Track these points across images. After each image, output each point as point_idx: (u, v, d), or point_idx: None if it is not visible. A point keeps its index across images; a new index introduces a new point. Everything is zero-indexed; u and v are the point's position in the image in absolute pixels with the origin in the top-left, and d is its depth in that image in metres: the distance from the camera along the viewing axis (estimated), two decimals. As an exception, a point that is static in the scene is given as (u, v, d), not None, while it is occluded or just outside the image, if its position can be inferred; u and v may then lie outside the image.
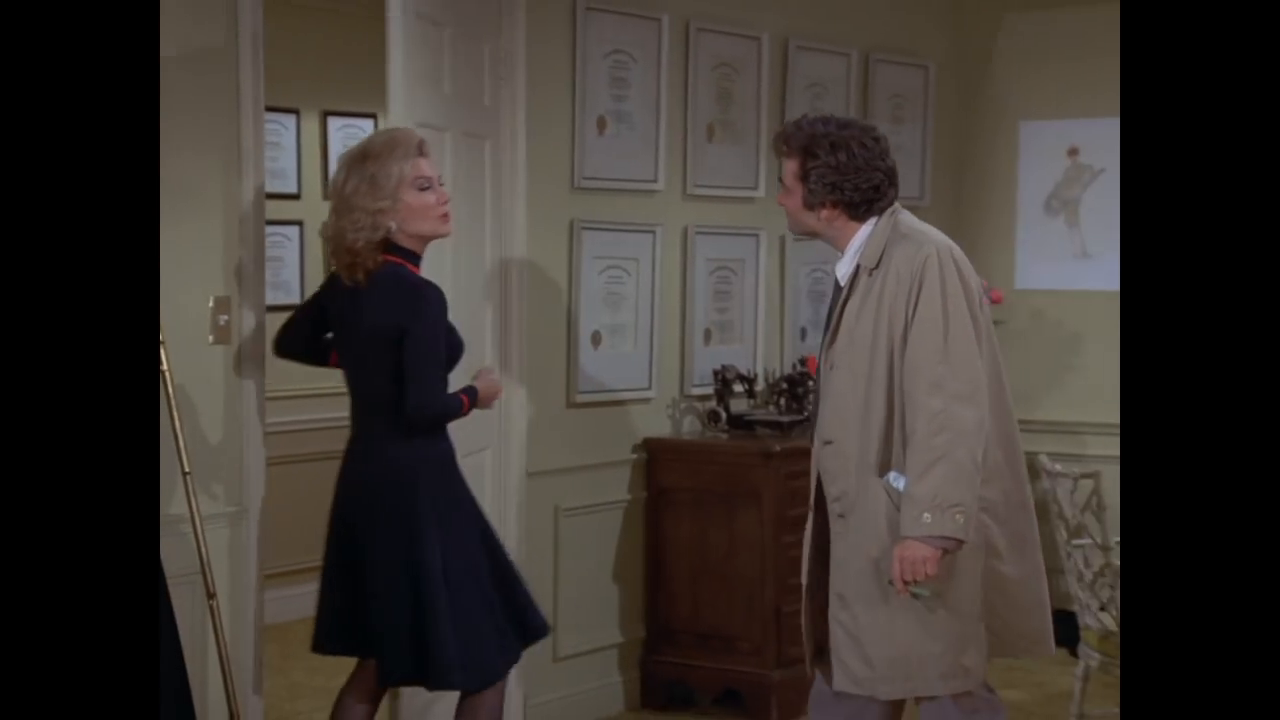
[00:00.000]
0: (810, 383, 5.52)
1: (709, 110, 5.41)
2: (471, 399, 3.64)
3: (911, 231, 3.28)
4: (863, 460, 3.23)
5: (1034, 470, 5.53)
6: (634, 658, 5.16)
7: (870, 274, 3.26)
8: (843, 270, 3.34)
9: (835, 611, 3.30)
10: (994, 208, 6.21)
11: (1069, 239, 6.32)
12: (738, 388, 5.36)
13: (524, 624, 3.72)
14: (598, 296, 5.03)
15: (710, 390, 5.35)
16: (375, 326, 3.52)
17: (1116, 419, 6.00)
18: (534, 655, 4.79)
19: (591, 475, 5.03)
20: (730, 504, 5.03)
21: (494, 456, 4.67)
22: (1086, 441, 5.92)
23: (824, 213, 3.32)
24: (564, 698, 4.90)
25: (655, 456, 5.18)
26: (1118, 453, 6.06)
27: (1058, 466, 4.46)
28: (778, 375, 5.57)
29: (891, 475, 3.21)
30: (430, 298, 3.51)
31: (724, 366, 5.36)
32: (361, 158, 3.58)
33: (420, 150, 3.59)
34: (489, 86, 4.56)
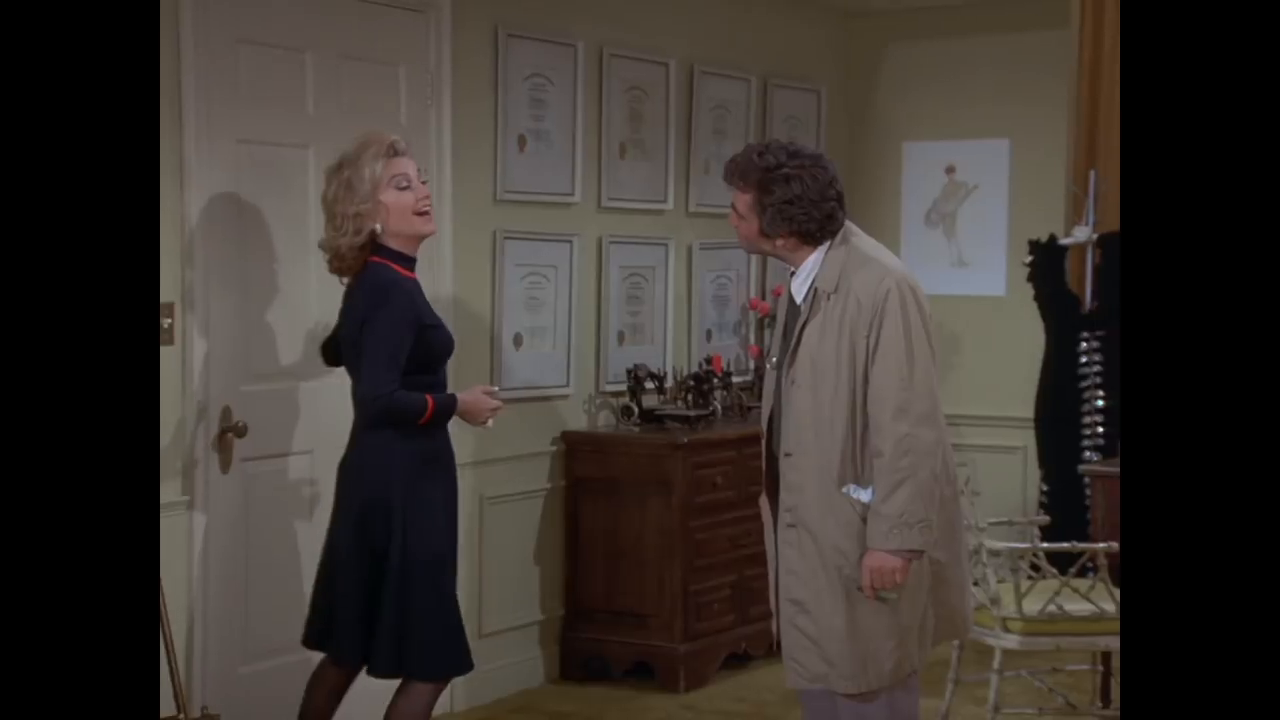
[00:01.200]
0: (715, 379, 5.59)
1: (621, 129, 5.45)
2: (440, 405, 3.46)
3: (869, 258, 3.26)
4: (824, 473, 3.22)
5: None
6: (554, 634, 5.19)
7: (829, 297, 3.23)
8: (798, 290, 3.31)
9: (791, 616, 3.29)
10: (880, 220, 6.31)
11: (948, 249, 6.45)
12: (649, 385, 5.41)
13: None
14: (519, 301, 5.06)
15: (624, 387, 5.39)
16: (350, 325, 3.46)
17: (990, 412, 6.18)
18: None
19: (514, 466, 5.05)
20: (642, 492, 5.07)
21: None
22: (964, 432, 6.05)
23: (780, 241, 3.28)
24: (489, 671, 4.91)
25: (573, 448, 5.21)
26: (990, 442, 6.21)
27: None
28: (685, 374, 5.63)
29: (851, 488, 3.22)
30: (394, 294, 3.38)
31: (636, 365, 5.40)
32: (338, 165, 3.48)
33: (393, 149, 3.46)
34: (405, 106, 4.59)
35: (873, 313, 3.17)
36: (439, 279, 4.72)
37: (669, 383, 5.55)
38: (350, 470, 3.54)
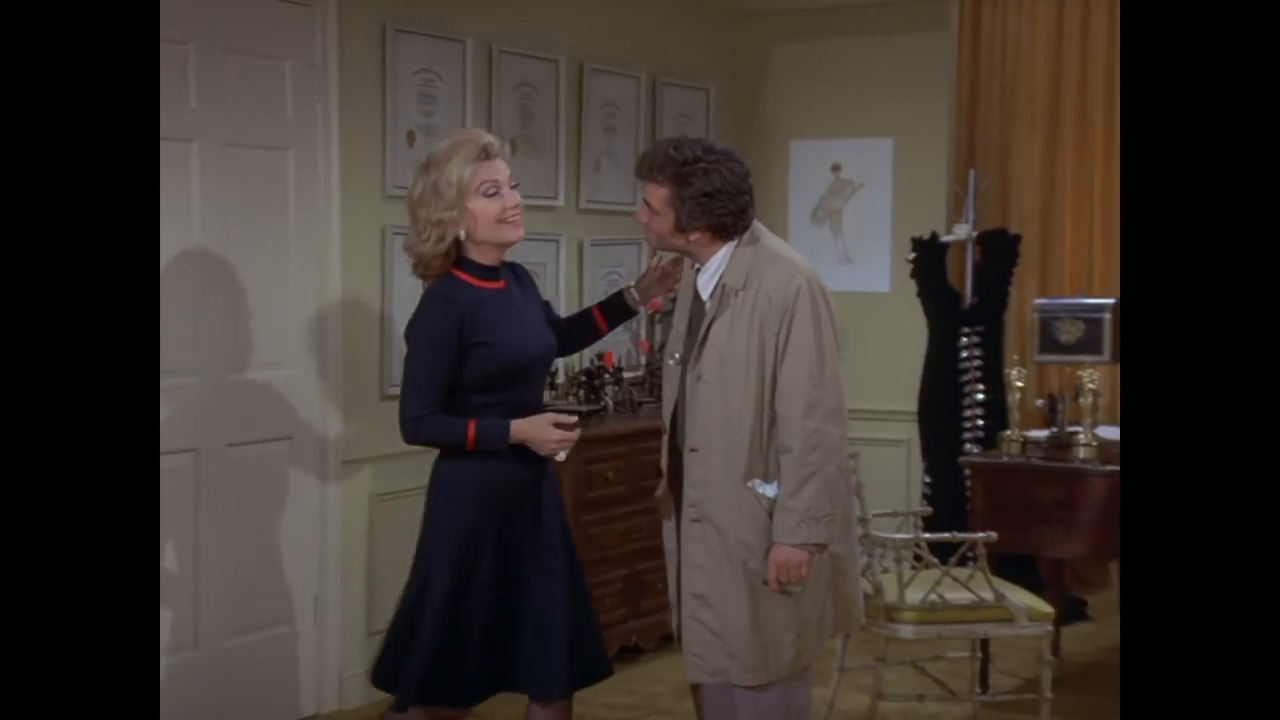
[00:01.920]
0: (607, 375, 5.55)
1: (512, 126, 5.39)
2: (487, 433, 3.14)
3: (778, 256, 3.25)
4: (730, 468, 3.20)
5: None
6: (445, 630, 5.11)
7: (737, 294, 3.21)
8: (706, 286, 3.28)
9: (693, 610, 3.27)
10: (768, 218, 6.26)
11: (834, 246, 6.49)
12: (540, 381, 5.35)
13: (515, 674, 3.26)
14: (409, 297, 4.95)
15: (514, 383, 5.33)
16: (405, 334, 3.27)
17: (875, 406, 6.22)
18: (348, 629, 4.73)
19: (404, 463, 4.95)
20: (533, 487, 5.01)
21: (308, 446, 4.59)
22: (850, 426, 6.06)
23: (694, 236, 3.24)
24: (380, 669, 4.83)
25: (464, 444, 5.13)
26: (875, 435, 6.25)
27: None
28: (577, 370, 5.59)
29: (756, 482, 3.21)
30: (431, 312, 3.14)
31: (527, 361, 5.34)
32: (426, 165, 3.21)
33: (486, 153, 3.18)
34: (292, 101, 4.49)
35: (783, 310, 3.17)
36: (327, 276, 4.64)
37: (560, 379, 5.50)
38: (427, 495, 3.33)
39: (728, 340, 3.20)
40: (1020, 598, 4.29)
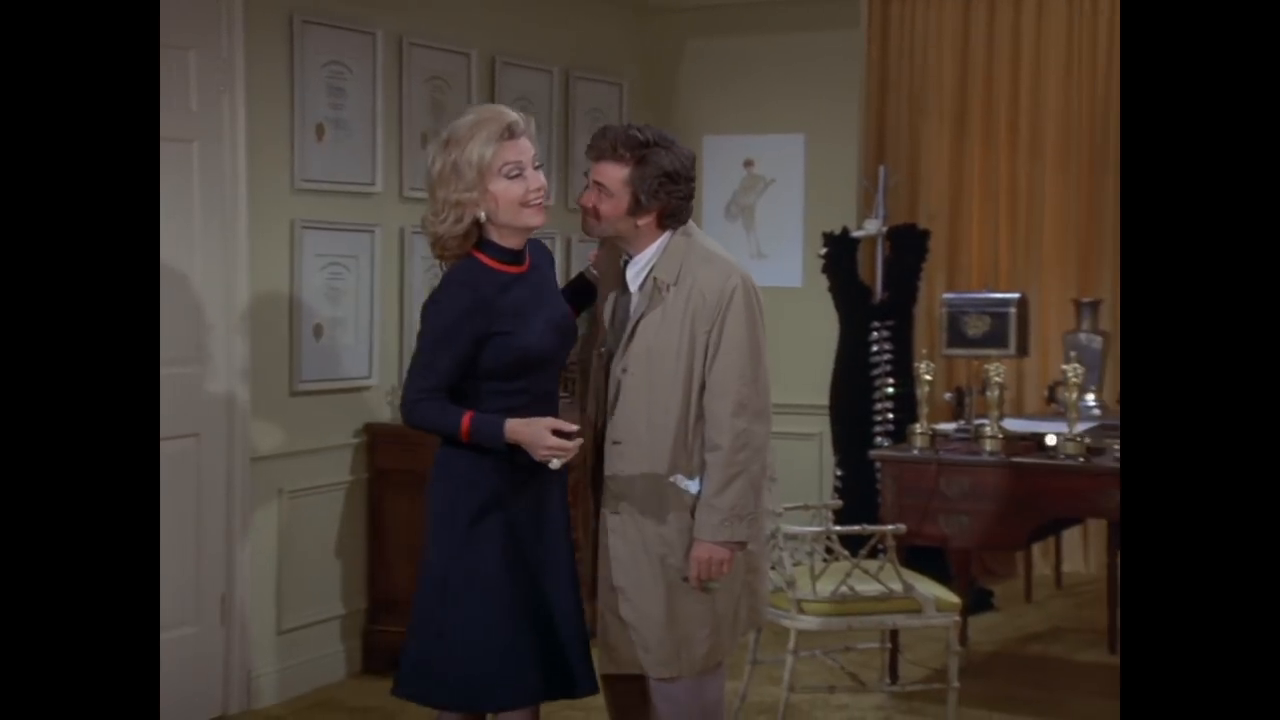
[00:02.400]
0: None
1: (423, 119, 5.33)
2: (480, 426, 2.98)
3: (713, 254, 3.22)
4: (652, 463, 3.17)
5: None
6: (356, 628, 5.05)
7: (668, 288, 3.17)
8: (635, 278, 3.23)
9: (610, 603, 3.24)
10: (682, 212, 6.31)
11: (746, 241, 6.50)
12: (453, 376, 5.30)
13: (556, 672, 3.11)
14: (319, 291, 4.89)
15: (427, 378, 5.27)
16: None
17: (787, 400, 6.20)
18: (257, 628, 4.65)
19: (314, 459, 4.89)
20: (445, 483, 4.96)
21: (216, 443, 4.50)
22: (763, 419, 6.10)
23: (643, 220, 3.18)
24: (288, 668, 4.76)
25: (376, 440, 5.07)
26: (787, 429, 6.27)
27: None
28: (490, 364, 5.55)
29: (678, 478, 3.18)
30: (449, 295, 2.98)
31: (439, 356, 5.29)
32: (445, 142, 3.02)
33: (510, 132, 2.99)
34: (197, 92, 4.41)
35: (717, 309, 3.14)
36: (234, 271, 4.55)
37: (474, 373, 5.46)
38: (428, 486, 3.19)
39: (656, 335, 3.17)
40: (928, 589, 4.32)
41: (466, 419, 2.98)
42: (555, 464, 3.01)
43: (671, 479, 3.19)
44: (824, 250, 6.01)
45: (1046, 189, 6.35)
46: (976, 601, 5.69)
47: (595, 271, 3.40)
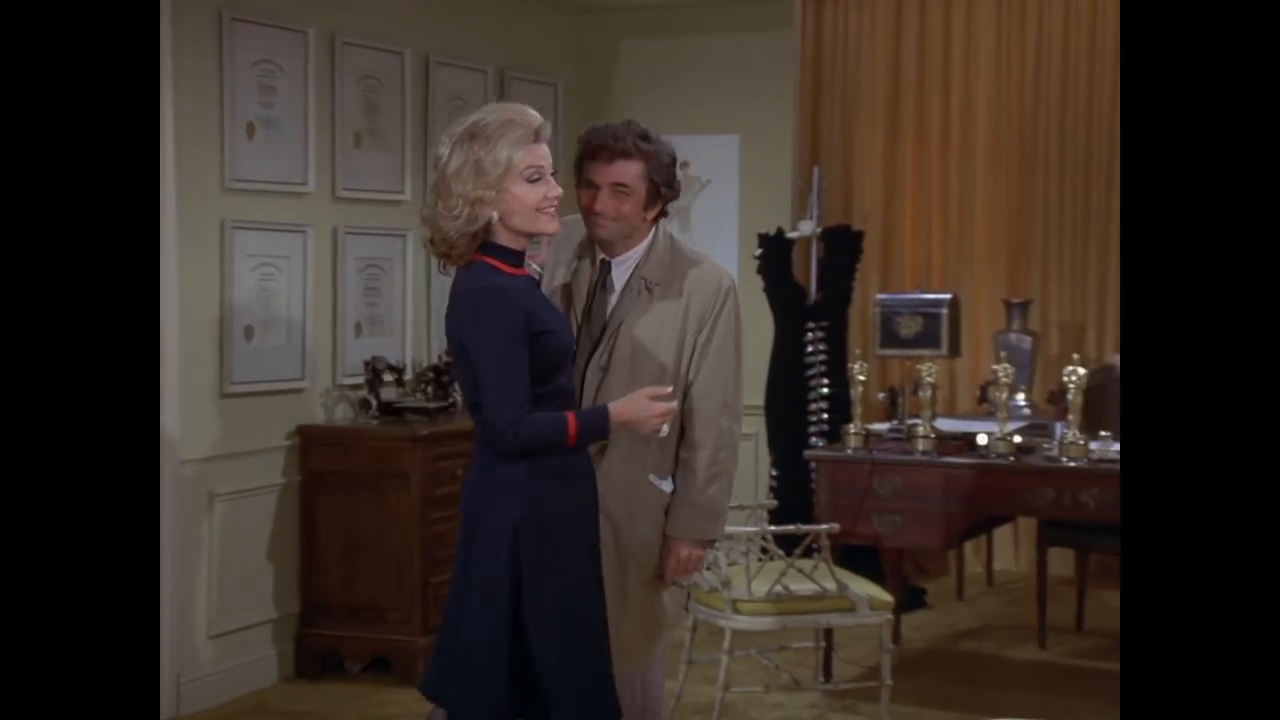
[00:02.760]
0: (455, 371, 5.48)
1: (356, 118, 5.27)
2: (587, 423, 2.88)
3: (700, 256, 3.23)
4: (633, 462, 3.16)
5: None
6: (288, 631, 4.99)
7: (654, 288, 3.14)
8: (621, 276, 3.18)
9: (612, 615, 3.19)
10: (617, 213, 6.31)
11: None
12: (387, 377, 5.26)
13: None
14: (250, 292, 4.83)
15: (362, 380, 5.23)
16: (449, 332, 2.93)
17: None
18: (186, 633, 4.58)
19: (245, 462, 4.82)
20: (380, 485, 4.93)
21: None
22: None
23: (652, 212, 3.17)
24: (219, 673, 4.69)
25: (308, 442, 5.01)
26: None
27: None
28: (425, 365, 5.51)
29: (652, 476, 3.18)
30: (490, 305, 2.83)
31: (374, 357, 5.25)
32: (469, 136, 2.87)
33: (536, 136, 2.90)
34: (128, 91, 4.32)
35: (709, 310, 3.15)
36: (164, 271, 4.47)
37: (408, 375, 5.41)
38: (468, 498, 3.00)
39: (643, 334, 3.15)
40: (862, 587, 4.35)
41: (572, 420, 2.86)
42: (665, 430, 2.95)
43: (649, 478, 3.18)
44: (759, 251, 6.02)
45: (977, 190, 6.41)
46: (909, 599, 5.74)
47: (539, 270, 3.31)
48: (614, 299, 3.19)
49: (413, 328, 5.56)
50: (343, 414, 5.23)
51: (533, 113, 2.93)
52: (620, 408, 2.91)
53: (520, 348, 2.82)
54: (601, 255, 3.21)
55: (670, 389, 2.97)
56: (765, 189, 6.37)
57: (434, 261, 5.82)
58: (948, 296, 5.32)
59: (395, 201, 5.49)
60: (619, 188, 3.11)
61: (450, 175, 2.85)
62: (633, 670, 3.21)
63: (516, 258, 2.94)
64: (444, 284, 5.66)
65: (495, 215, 2.86)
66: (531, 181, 2.87)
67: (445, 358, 5.51)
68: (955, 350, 5.35)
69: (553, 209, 2.92)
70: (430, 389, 5.39)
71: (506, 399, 2.80)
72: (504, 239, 2.90)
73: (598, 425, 2.89)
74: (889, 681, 4.37)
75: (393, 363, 5.30)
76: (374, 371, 5.21)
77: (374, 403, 5.18)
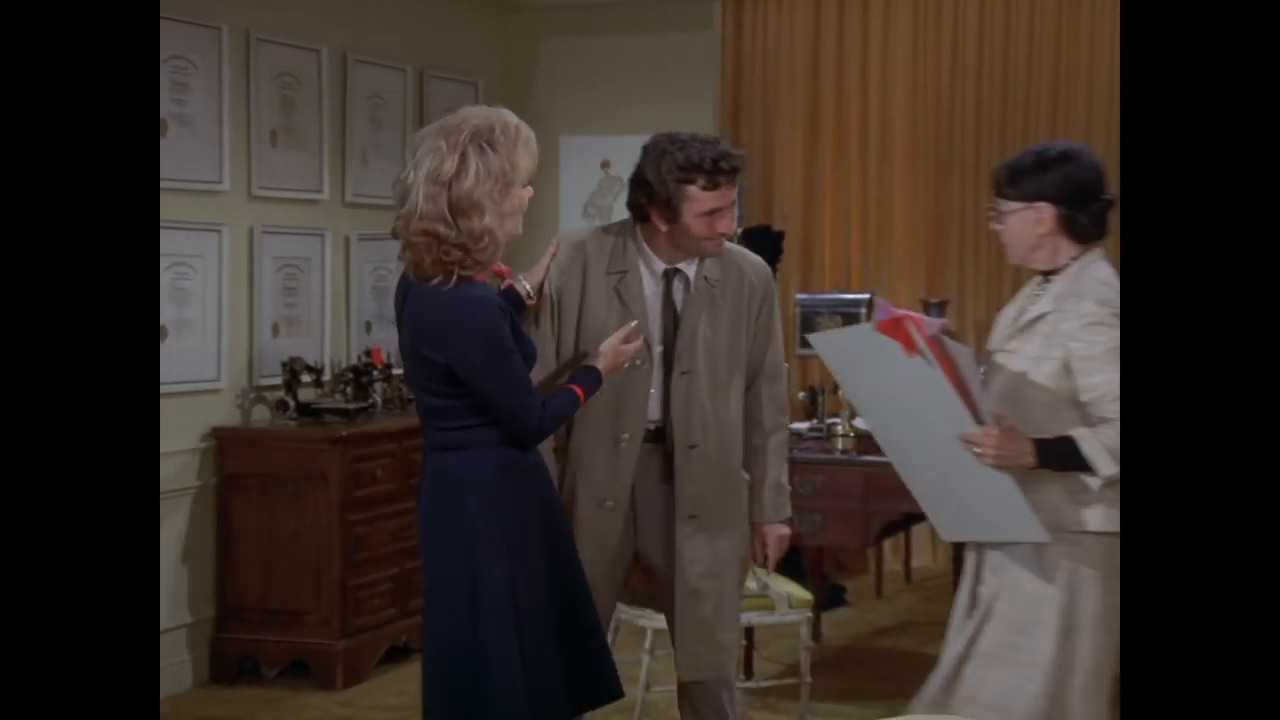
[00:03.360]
0: (375, 372, 5.42)
1: (272, 116, 5.20)
2: (589, 388, 2.96)
3: (739, 246, 3.30)
4: (725, 459, 3.18)
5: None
6: (203, 636, 4.91)
7: (715, 284, 3.15)
8: (686, 280, 3.15)
9: (690, 608, 3.18)
10: (540, 214, 6.26)
11: (604, 241, 6.49)
12: (306, 378, 5.20)
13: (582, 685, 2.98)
14: (164, 292, 4.74)
15: (279, 380, 5.16)
16: (429, 343, 2.81)
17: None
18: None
19: (159, 464, 4.73)
20: (298, 487, 4.86)
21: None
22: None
23: None
24: (134, 680, 4.60)
25: (224, 444, 4.93)
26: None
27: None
28: (344, 366, 5.44)
29: (742, 470, 3.25)
30: (479, 317, 2.77)
31: (292, 358, 5.18)
32: (485, 145, 2.74)
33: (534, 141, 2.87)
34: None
35: (763, 297, 3.22)
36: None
37: (327, 375, 5.35)
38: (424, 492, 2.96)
39: (713, 331, 3.16)
40: (782, 586, 4.37)
41: (578, 389, 2.96)
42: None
43: (740, 471, 3.25)
44: (680, 251, 6.03)
45: (896, 191, 6.47)
46: (829, 598, 5.78)
47: (529, 286, 3.19)
48: (682, 303, 3.17)
49: (331, 328, 5.50)
50: (259, 415, 5.16)
51: (516, 117, 2.86)
52: (604, 362, 3.02)
53: (512, 345, 2.82)
54: (664, 265, 3.14)
55: (636, 323, 3.06)
56: (686, 189, 6.38)
57: (351, 263, 5.77)
58: (866, 296, 5.37)
59: (313, 201, 5.42)
60: (731, 206, 3.09)
61: (480, 194, 2.73)
62: (725, 673, 3.26)
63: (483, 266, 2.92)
64: (363, 283, 5.66)
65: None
66: (524, 186, 2.83)
67: (365, 359, 5.46)
68: (873, 349, 5.39)
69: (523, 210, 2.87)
70: (349, 390, 5.34)
71: (522, 399, 2.82)
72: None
73: (595, 382, 3.01)
74: (809, 679, 4.39)
75: (311, 363, 5.23)
76: (292, 372, 5.14)
77: (292, 404, 5.11)
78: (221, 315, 4.97)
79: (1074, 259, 2.81)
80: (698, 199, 3.02)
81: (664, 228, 3.07)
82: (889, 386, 2.68)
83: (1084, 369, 2.69)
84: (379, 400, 5.41)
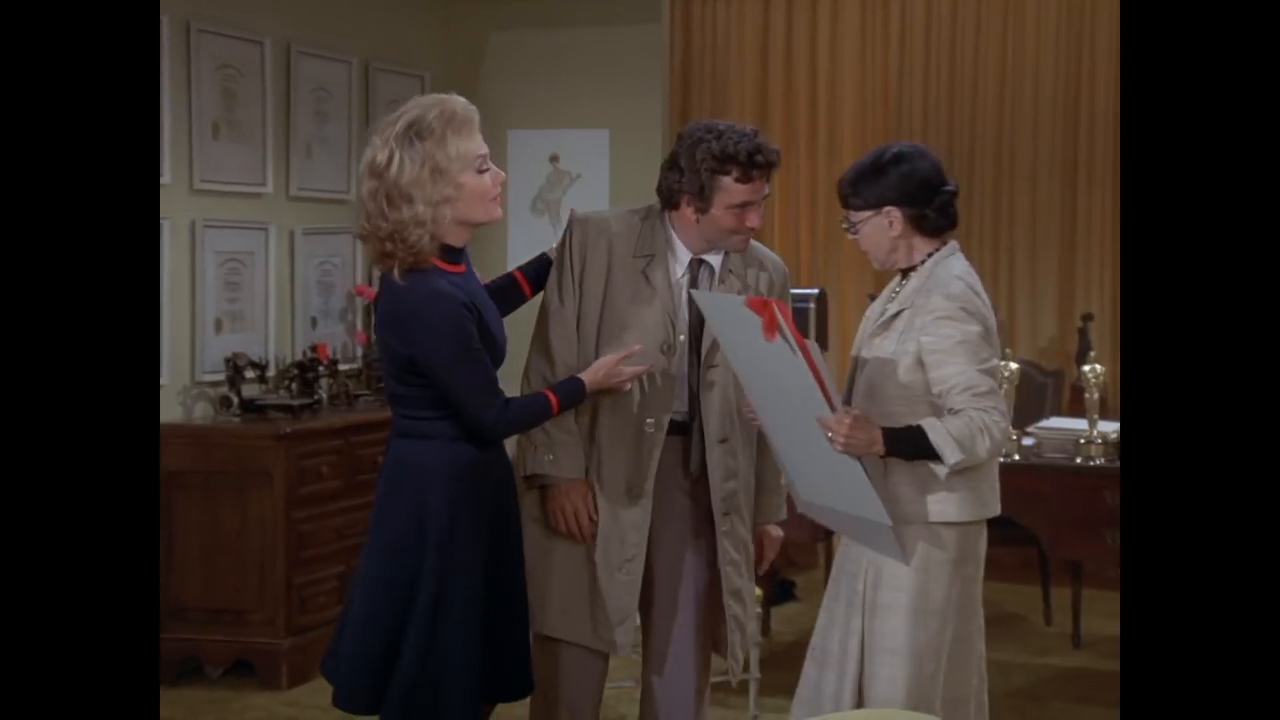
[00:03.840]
0: (321, 368, 5.38)
1: (214, 108, 5.14)
2: (566, 399, 2.95)
3: (753, 241, 3.27)
4: (748, 454, 3.16)
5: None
6: (147, 637, 4.85)
7: (740, 275, 3.13)
8: (712, 269, 3.14)
9: (730, 608, 3.17)
10: (487, 207, 6.26)
11: (553, 237, 6.45)
12: (249, 374, 5.15)
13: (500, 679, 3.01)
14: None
15: (222, 377, 5.11)
16: (388, 336, 2.86)
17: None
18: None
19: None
20: (242, 485, 4.81)
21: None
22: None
23: None
24: (74, 682, 4.54)
25: (167, 441, 4.86)
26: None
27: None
28: (289, 362, 5.40)
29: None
30: (435, 310, 2.78)
31: (235, 354, 5.13)
32: (415, 136, 2.76)
33: (474, 124, 2.84)
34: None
35: (783, 286, 3.20)
36: None
37: (271, 371, 5.30)
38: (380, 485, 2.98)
39: None
40: (730, 580, 4.37)
41: (553, 397, 2.96)
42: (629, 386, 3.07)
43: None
44: (629, 246, 6.03)
45: (845, 186, 6.50)
46: (778, 592, 5.79)
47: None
48: (713, 289, 3.14)
49: (276, 323, 5.44)
50: (202, 412, 5.11)
51: (459, 99, 2.88)
52: (593, 376, 3.01)
53: (473, 345, 2.82)
54: (691, 254, 3.12)
55: (639, 347, 3.02)
56: (635, 184, 6.35)
57: (296, 257, 5.74)
58: (815, 291, 5.38)
59: (256, 194, 5.37)
60: (763, 200, 3.09)
61: (406, 183, 2.75)
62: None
63: (458, 254, 2.90)
64: (308, 278, 5.61)
65: (450, 214, 2.80)
66: (481, 171, 2.82)
67: (310, 354, 5.42)
68: (823, 344, 5.42)
69: (498, 194, 2.88)
70: (294, 386, 5.29)
71: (478, 397, 2.83)
72: (453, 236, 2.85)
73: (576, 396, 3.00)
74: (757, 674, 4.40)
75: (255, 359, 5.18)
76: (235, 368, 5.09)
77: (235, 400, 5.06)
78: (163, 311, 4.91)
79: (929, 255, 2.90)
80: (730, 190, 3.01)
81: (694, 218, 3.06)
82: (756, 357, 2.75)
83: (934, 362, 2.78)
84: (324, 396, 5.37)
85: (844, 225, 2.97)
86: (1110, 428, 4.71)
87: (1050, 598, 5.64)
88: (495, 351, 2.91)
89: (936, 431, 2.71)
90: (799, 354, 2.62)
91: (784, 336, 2.61)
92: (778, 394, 2.81)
